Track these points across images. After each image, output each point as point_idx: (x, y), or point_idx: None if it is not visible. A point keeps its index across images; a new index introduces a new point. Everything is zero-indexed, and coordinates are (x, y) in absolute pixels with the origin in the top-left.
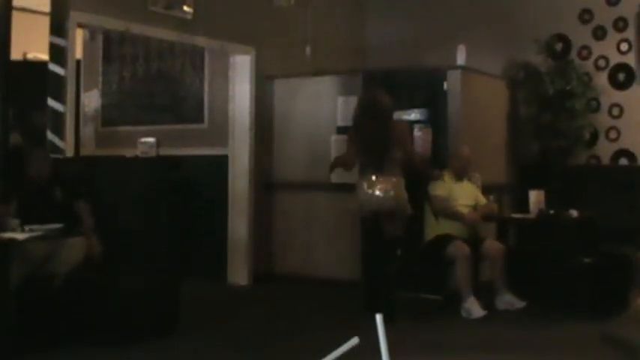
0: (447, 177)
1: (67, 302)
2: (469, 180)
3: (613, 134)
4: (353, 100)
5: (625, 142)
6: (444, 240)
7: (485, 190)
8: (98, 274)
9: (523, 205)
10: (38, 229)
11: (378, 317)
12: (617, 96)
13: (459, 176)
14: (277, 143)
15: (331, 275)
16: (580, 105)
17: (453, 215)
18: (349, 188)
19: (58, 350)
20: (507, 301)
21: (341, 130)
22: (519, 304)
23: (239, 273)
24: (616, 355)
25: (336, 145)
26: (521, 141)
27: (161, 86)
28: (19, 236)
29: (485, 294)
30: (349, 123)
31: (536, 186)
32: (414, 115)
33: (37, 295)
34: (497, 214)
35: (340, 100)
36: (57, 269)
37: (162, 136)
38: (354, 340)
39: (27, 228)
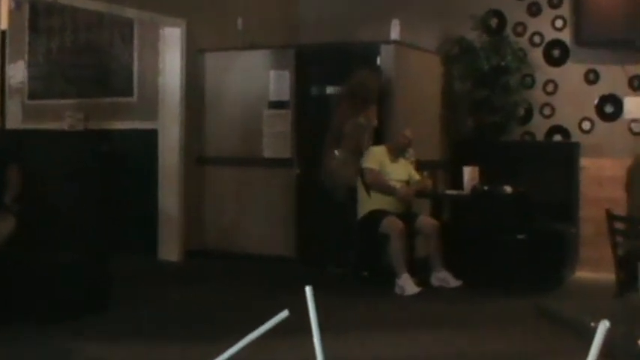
0: (382, 152)
1: None
2: (403, 157)
3: (547, 110)
4: (285, 75)
5: (559, 119)
6: (378, 215)
7: (419, 166)
8: (25, 249)
9: (457, 181)
10: None
11: (308, 290)
12: (552, 72)
13: (397, 156)
14: (209, 117)
15: (264, 251)
16: (515, 81)
17: (386, 189)
18: (282, 163)
19: None
20: (442, 278)
21: (273, 105)
22: (455, 282)
23: (170, 249)
24: (551, 328)
25: (268, 120)
26: (456, 117)
27: (89, 58)
28: None
29: (420, 271)
30: (282, 97)
31: (470, 162)
32: None
33: None
34: (432, 190)
35: (272, 74)
36: None
37: (91, 110)
38: (284, 314)
39: None
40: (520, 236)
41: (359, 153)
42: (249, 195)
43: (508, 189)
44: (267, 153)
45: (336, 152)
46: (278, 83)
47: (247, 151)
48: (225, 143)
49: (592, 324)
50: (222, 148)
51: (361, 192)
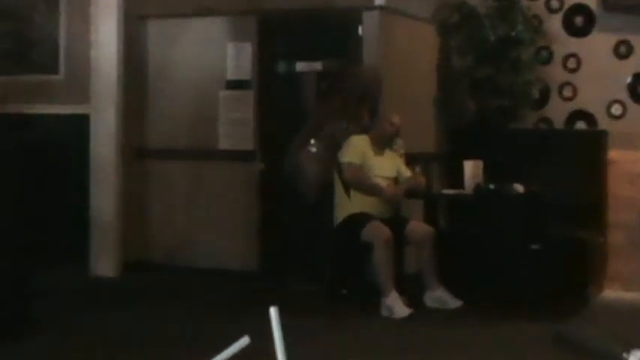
0: (364, 143)
1: None
2: (390, 148)
3: (568, 92)
4: (246, 48)
5: (582, 102)
6: (359, 220)
7: (410, 159)
8: None
9: (457, 178)
10: None
11: (273, 312)
12: (574, 44)
13: (383, 147)
14: (152, 100)
15: (221, 264)
16: (527, 55)
17: (370, 189)
18: (243, 156)
19: None
20: (439, 297)
21: (232, 85)
22: (454, 302)
23: (105, 262)
24: None
25: (225, 104)
26: (455, 100)
27: (5, 27)
28: None
29: (411, 288)
30: (242, 76)
31: (472, 155)
32: (321, 67)
33: None
34: (425, 189)
35: (230, 47)
36: None
37: (7, 90)
38: (244, 340)
39: None
40: (534, 246)
41: (338, 147)
42: (202, 195)
43: (519, 188)
44: (224, 144)
45: (312, 141)
46: (237, 58)
47: (199, 142)
48: (172, 132)
49: (624, 355)
50: (169, 138)
51: (339, 192)
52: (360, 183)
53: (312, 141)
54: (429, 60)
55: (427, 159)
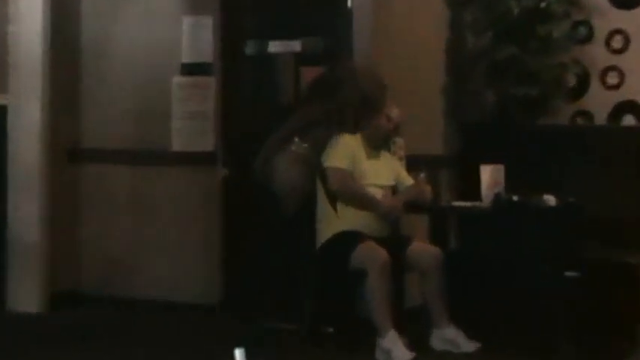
0: (354, 143)
1: None
2: (387, 149)
3: (613, 78)
4: (206, 23)
5: (631, 90)
6: (349, 240)
7: (412, 163)
8: None
9: (471, 187)
10: None
11: (239, 355)
12: (620, 18)
13: (378, 148)
14: (87, 89)
15: (173, 296)
16: (560, 32)
17: (361, 200)
18: (201, 160)
19: None
20: (449, 338)
21: (187, 70)
22: (468, 345)
23: (26, 293)
24: None
25: (180, 94)
26: (469, 89)
27: None
28: None
29: (415, 326)
30: (201, 58)
31: (491, 158)
32: (300, 47)
33: None
34: (431, 200)
35: (187, 22)
36: None
37: None
38: None
39: None
40: (569, 273)
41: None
42: (149, 209)
43: (550, 199)
44: (178, 144)
45: (295, 139)
46: (195, 36)
47: (147, 142)
48: (112, 129)
49: None
50: (108, 137)
51: (323, 204)
52: (350, 193)
53: (296, 139)
54: (437, 39)
55: (434, 163)
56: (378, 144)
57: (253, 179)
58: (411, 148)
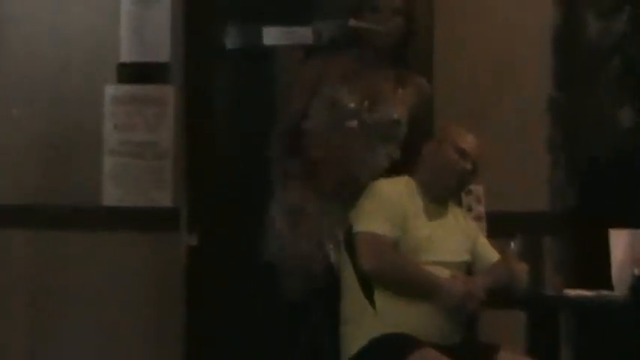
0: (404, 190)
1: None
2: (457, 203)
3: None
4: (156, 8)
5: None
6: (396, 348)
7: (498, 226)
8: None
9: (594, 264)
10: None
11: None
12: None
13: (442, 199)
14: None
15: None
16: None
17: (415, 284)
18: (151, 220)
19: None
20: None
21: (129, 74)
22: None
23: None
24: None
25: (116, 112)
26: (590, 106)
27: None
28: None
29: None
30: (150, 56)
31: (626, 219)
32: (312, 36)
33: None
34: (528, 286)
35: (127, 4)
36: None
37: None
38: None
39: None
40: None
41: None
42: (68, 299)
43: None
44: (113, 197)
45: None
46: (141, 22)
47: (64, 194)
48: (11, 174)
49: None
50: (6, 187)
51: (351, 293)
52: (394, 274)
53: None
54: (537, 29)
55: (533, 225)
56: (443, 194)
57: (241, 252)
58: (495, 201)
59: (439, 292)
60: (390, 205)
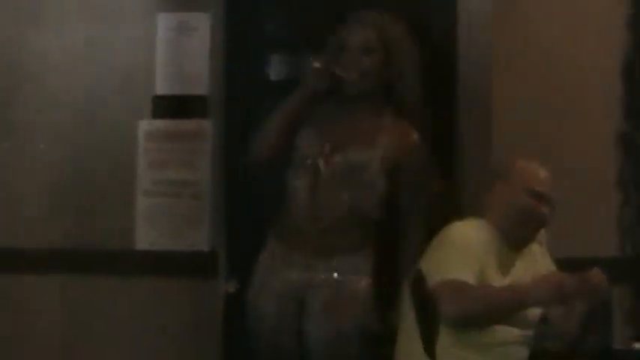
0: (485, 237)
1: None
2: (526, 250)
3: None
4: (200, 25)
5: None
6: None
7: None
8: None
9: None
10: None
11: None
12: None
13: (519, 245)
14: None
15: None
16: None
17: (505, 300)
18: (186, 265)
19: None
20: None
21: (164, 107)
22: None
23: None
24: None
25: (150, 148)
26: None
27: None
28: None
29: None
30: (188, 88)
31: None
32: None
33: None
34: (593, 339)
35: (165, 23)
36: None
37: None
38: None
39: None
40: None
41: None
42: (94, 350)
43: None
44: (146, 240)
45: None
46: (178, 49)
47: (92, 238)
48: (29, 218)
49: None
50: (24, 233)
51: (409, 349)
52: (480, 307)
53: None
54: (605, 49)
55: (602, 271)
56: (521, 242)
57: None
58: (558, 245)
59: (525, 296)
60: (472, 252)
